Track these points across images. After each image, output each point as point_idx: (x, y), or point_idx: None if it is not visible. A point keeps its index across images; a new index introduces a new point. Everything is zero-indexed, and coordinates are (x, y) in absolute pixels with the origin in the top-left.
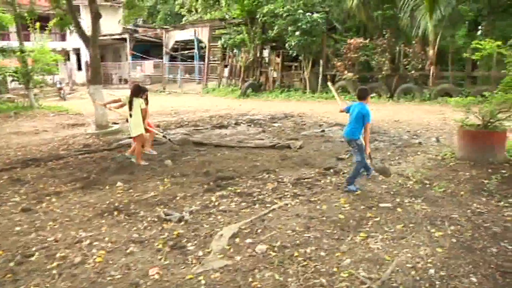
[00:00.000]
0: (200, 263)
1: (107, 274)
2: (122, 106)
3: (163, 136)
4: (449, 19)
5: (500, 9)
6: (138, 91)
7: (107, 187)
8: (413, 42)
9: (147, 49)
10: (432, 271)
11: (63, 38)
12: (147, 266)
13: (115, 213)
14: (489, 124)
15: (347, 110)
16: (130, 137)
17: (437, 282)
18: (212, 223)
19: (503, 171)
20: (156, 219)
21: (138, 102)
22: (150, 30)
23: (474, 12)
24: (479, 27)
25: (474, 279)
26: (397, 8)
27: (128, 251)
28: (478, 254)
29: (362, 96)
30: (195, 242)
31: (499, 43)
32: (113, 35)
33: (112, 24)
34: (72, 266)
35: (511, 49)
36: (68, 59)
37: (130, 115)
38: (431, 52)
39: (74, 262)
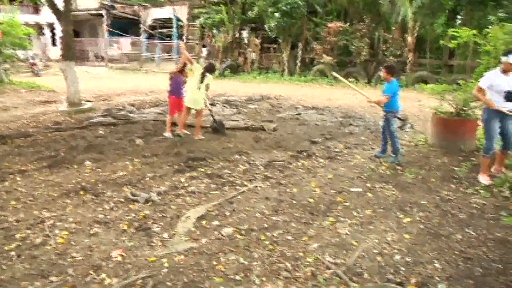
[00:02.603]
0: (164, 245)
1: (69, 255)
2: (184, 65)
3: (210, 114)
4: (429, 7)
5: None
6: (213, 69)
7: (75, 166)
8: (393, 28)
9: (125, 26)
10: (398, 256)
11: (36, 11)
12: (111, 248)
13: (81, 193)
14: (462, 112)
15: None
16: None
17: (402, 268)
18: (180, 204)
19: (473, 159)
20: (123, 200)
21: (209, 78)
22: (128, 7)
23: (453, 2)
24: (458, 17)
25: (438, 265)
26: None
27: (92, 232)
28: (444, 241)
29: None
30: (161, 223)
31: (475, 32)
32: (90, 10)
33: None
34: (33, 247)
35: (486, 38)
36: (42, 33)
37: (199, 88)
38: (410, 39)
39: (35, 243)
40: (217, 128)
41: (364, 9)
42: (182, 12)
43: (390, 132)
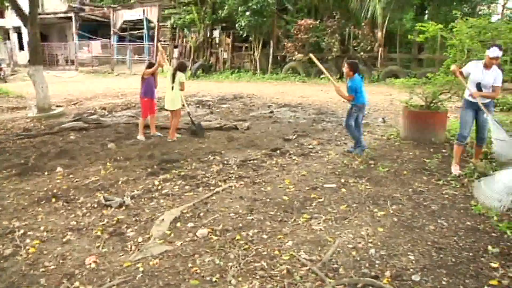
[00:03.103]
0: (139, 249)
1: (40, 265)
2: (156, 68)
3: (189, 116)
4: (397, 3)
5: None
6: (185, 67)
7: (46, 173)
8: (363, 24)
9: (95, 29)
10: (372, 250)
11: (1, 15)
12: (84, 255)
13: (53, 200)
14: (431, 104)
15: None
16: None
17: (377, 262)
18: (154, 207)
19: (444, 151)
20: (96, 205)
21: (179, 77)
22: (97, 9)
23: None
24: (426, 12)
25: (411, 257)
26: None
27: (64, 239)
28: (417, 232)
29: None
30: (135, 228)
31: (441, 26)
32: (58, 13)
33: (57, 1)
34: (2, 259)
35: (451, 32)
36: (8, 38)
37: (172, 88)
38: (379, 34)
39: (4, 254)
40: (196, 131)
41: (334, 5)
42: (152, 13)
43: (347, 123)
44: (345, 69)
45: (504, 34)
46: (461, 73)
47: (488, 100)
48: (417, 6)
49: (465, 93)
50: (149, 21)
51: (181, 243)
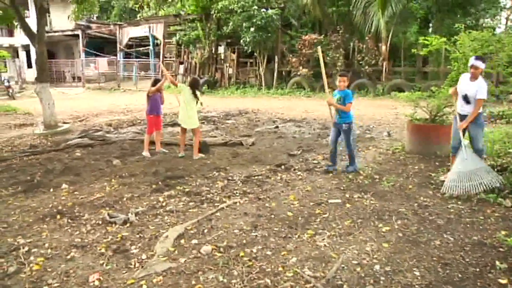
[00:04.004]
0: (143, 266)
1: (44, 283)
2: (160, 85)
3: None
4: (401, 16)
5: (447, 7)
6: (198, 83)
7: (51, 190)
8: (366, 38)
9: (101, 46)
10: (377, 267)
11: (10, 34)
12: (88, 272)
13: (58, 217)
14: (436, 118)
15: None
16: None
17: (381, 278)
18: (158, 224)
19: (449, 164)
20: (100, 222)
21: (198, 95)
22: (104, 26)
23: (424, 10)
24: (430, 25)
25: (417, 273)
26: (351, 4)
27: (68, 256)
28: (422, 247)
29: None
30: (139, 244)
31: (444, 39)
32: (65, 31)
33: (64, 20)
34: (5, 276)
35: (455, 45)
36: (17, 56)
37: (192, 107)
38: (383, 48)
39: (8, 272)
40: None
41: (338, 20)
42: (158, 30)
43: (350, 143)
44: (341, 82)
45: (507, 47)
46: (454, 91)
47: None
48: (421, 19)
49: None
50: (154, 38)
51: (185, 260)
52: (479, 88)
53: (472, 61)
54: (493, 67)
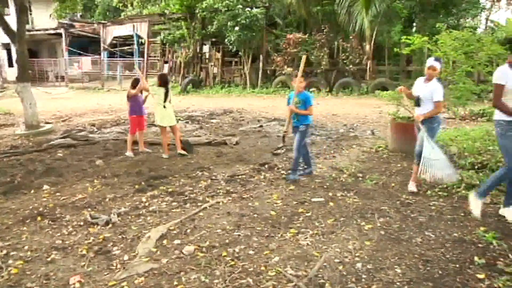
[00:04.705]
0: (124, 268)
1: (23, 286)
2: (139, 90)
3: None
4: (385, 16)
5: (429, 7)
6: (166, 79)
7: (32, 192)
8: (351, 37)
9: (85, 45)
10: (359, 264)
11: None
12: (68, 275)
13: (39, 218)
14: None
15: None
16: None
17: (363, 276)
18: (140, 225)
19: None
20: (82, 223)
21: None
22: (87, 25)
23: (408, 10)
24: (414, 24)
25: (398, 270)
26: (336, 4)
27: (49, 259)
28: (404, 245)
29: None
30: (121, 245)
31: (426, 38)
32: (47, 30)
33: (47, 18)
34: None
35: (436, 44)
36: None
37: (164, 106)
38: (368, 47)
39: None
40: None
41: (323, 19)
42: (142, 29)
43: (300, 146)
44: (298, 83)
45: (486, 46)
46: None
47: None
48: (405, 19)
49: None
50: (139, 37)
51: (167, 261)
52: (434, 90)
53: (431, 61)
54: (474, 66)
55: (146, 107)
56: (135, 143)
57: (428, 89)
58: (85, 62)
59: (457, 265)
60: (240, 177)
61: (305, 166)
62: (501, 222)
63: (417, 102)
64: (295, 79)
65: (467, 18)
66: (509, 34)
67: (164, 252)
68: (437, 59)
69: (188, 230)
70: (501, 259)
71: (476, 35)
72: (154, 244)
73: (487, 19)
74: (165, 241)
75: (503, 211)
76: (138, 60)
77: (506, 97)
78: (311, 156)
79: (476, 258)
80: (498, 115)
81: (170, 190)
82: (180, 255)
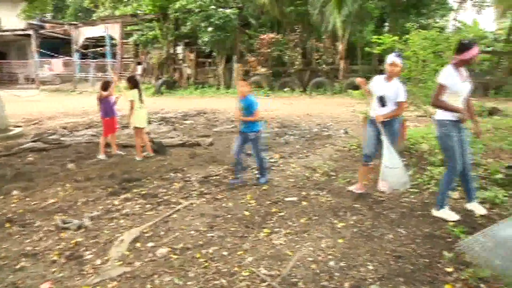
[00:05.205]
0: (97, 272)
1: None
2: (111, 92)
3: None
4: (357, 16)
5: (400, 7)
6: (135, 80)
7: (0, 197)
8: (324, 37)
9: (56, 46)
10: (332, 262)
11: None
12: (38, 282)
13: (7, 225)
14: None
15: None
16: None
17: (336, 274)
18: (113, 228)
19: (403, 159)
20: (53, 229)
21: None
22: (58, 26)
23: (379, 10)
24: (386, 24)
25: (370, 267)
26: (309, 4)
27: (18, 266)
28: (376, 242)
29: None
30: (94, 250)
31: (396, 38)
32: (16, 30)
33: (16, 18)
34: None
35: (406, 44)
36: None
37: (141, 107)
38: (340, 47)
39: None
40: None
41: (296, 20)
42: (114, 30)
43: (260, 153)
44: (242, 86)
45: (453, 46)
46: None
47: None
48: (377, 19)
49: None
50: (111, 38)
51: (140, 264)
52: (398, 90)
53: (392, 57)
54: (442, 65)
55: (119, 109)
56: (108, 145)
57: (392, 89)
58: (56, 63)
59: (427, 260)
60: (214, 178)
61: (239, 175)
62: (469, 216)
63: (382, 101)
64: (240, 83)
65: (436, 18)
66: (474, 34)
67: (137, 255)
68: (398, 55)
69: (162, 233)
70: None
71: (444, 35)
72: (127, 247)
73: (454, 20)
74: (138, 244)
75: (469, 206)
76: (111, 62)
77: (450, 99)
78: (246, 167)
79: (445, 253)
80: (441, 115)
81: (143, 192)
82: (153, 258)
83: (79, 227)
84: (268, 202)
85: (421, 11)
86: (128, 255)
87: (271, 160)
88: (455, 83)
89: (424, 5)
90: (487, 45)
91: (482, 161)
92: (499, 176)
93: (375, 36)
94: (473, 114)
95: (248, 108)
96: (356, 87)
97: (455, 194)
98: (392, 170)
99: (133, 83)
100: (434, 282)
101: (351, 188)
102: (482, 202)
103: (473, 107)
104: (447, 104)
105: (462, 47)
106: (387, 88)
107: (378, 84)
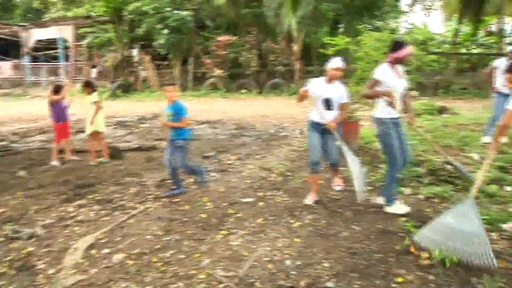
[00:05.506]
0: (50, 282)
1: None
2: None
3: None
4: (312, 17)
5: (354, 9)
6: (89, 83)
7: None
8: (279, 39)
9: (5, 49)
10: (288, 262)
11: None
12: None
13: None
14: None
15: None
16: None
17: (292, 272)
18: (67, 236)
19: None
20: (3, 239)
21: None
22: (6, 27)
23: (334, 12)
24: (341, 25)
25: (326, 264)
26: (265, 6)
27: None
28: (332, 239)
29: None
30: (47, 259)
31: (349, 39)
32: None
33: None
34: None
35: (359, 45)
36: None
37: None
38: (296, 48)
39: None
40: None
41: (252, 21)
42: (67, 32)
43: (185, 162)
44: (169, 91)
45: None
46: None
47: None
48: (333, 20)
49: (309, 115)
50: (64, 41)
51: (96, 271)
52: (342, 92)
53: (338, 62)
54: None
55: (73, 113)
56: (61, 151)
57: (336, 91)
58: (5, 67)
59: (381, 255)
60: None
61: (174, 188)
62: (420, 211)
63: (328, 104)
64: (166, 89)
65: (389, 21)
66: (424, 35)
67: (93, 262)
68: (342, 60)
69: (118, 238)
70: None
71: (395, 36)
72: (82, 255)
73: (406, 22)
74: (93, 251)
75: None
76: (64, 65)
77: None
78: (182, 178)
79: (398, 247)
80: (380, 113)
81: (98, 198)
82: (109, 264)
83: (31, 236)
84: (225, 204)
85: (374, 14)
86: (83, 263)
87: (228, 162)
88: (390, 79)
89: (376, 7)
90: (436, 46)
91: (430, 157)
92: (440, 171)
93: (328, 38)
94: (410, 109)
95: (177, 114)
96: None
97: (407, 190)
98: (359, 176)
99: (90, 89)
100: (387, 276)
101: (306, 201)
102: (432, 197)
103: (410, 103)
104: (373, 91)
105: (396, 46)
106: (331, 90)
107: (320, 87)
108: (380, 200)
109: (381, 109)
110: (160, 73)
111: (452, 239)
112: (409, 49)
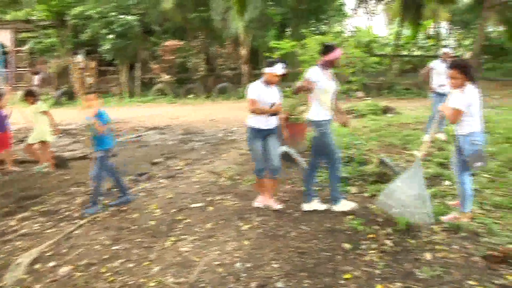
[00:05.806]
0: None
1: None
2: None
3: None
4: (259, 21)
5: (300, 13)
6: (30, 92)
7: None
8: (227, 43)
9: None
10: (238, 264)
11: None
12: None
13: None
14: (290, 116)
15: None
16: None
17: (242, 275)
18: (9, 251)
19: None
20: None
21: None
22: None
23: (281, 16)
24: (288, 29)
25: (276, 265)
26: (212, 10)
27: None
28: (281, 240)
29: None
30: None
31: (294, 43)
32: None
33: None
34: None
35: (304, 48)
36: None
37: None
38: (243, 52)
39: None
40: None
41: (200, 26)
42: (5, 36)
43: (98, 175)
44: (89, 100)
45: (346, 48)
46: (254, 102)
47: (274, 126)
48: (280, 24)
49: (249, 121)
50: (2, 46)
51: (41, 286)
52: (279, 95)
53: (282, 68)
54: (340, 68)
55: (14, 123)
56: (2, 162)
57: (277, 95)
58: None
59: (329, 253)
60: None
61: (120, 195)
62: (365, 209)
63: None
64: (86, 98)
65: (334, 24)
66: (367, 38)
67: (37, 277)
68: (286, 65)
69: (64, 250)
70: (364, 241)
71: (338, 39)
72: (25, 270)
73: (350, 25)
74: (38, 265)
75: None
76: (3, 72)
77: (319, 95)
78: (125, 184)
79: (345, 245)
80: (316, 116)
81: (43, 209)
82: (55, 278)
83: None
84: (174, 210)
85: (320, 17)
86: (26, 279)
87: (177, 168)
88: (322, 80)
89: (322, 11)
90: (380, 48)
91: (374, 156)
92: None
93: (273, 42)
94: (340, 110)
95: (101, 118)
96: None
97: (353, 189)
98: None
99: (33, 98)
100: (335, 274)
101: (255, 204)
102: (377, 195)
103: (339, 105)
104: (297, 85)
105: (326, 49)
106: (274, 94)
107: (264, 92)
108: (316, 204)
109: (316, 112)
110: (106, 79)
111: (400, 202)
112: (339, 52)
